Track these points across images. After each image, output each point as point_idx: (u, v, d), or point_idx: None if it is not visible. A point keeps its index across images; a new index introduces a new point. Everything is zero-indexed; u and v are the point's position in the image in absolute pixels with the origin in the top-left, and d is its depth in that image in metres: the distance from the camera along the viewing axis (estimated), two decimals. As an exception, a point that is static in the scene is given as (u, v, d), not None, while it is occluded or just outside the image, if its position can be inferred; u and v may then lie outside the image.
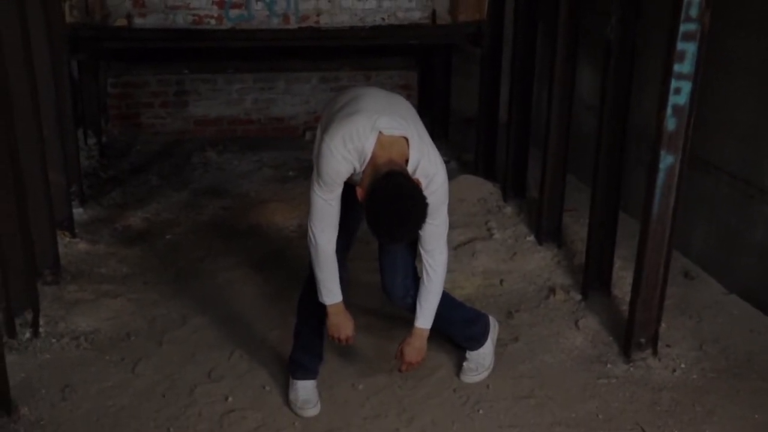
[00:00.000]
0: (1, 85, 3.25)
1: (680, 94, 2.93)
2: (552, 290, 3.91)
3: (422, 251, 2.83)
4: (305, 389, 3.03)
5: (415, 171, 2.59)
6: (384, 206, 2.43)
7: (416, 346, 2.94)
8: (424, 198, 2.50)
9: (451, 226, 4.47)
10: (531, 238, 4.48)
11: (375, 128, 2.55)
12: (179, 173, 5.80)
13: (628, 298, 3.45)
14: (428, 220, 2.66)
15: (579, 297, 3.83)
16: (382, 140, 2.55)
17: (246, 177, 5.73)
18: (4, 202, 3.33)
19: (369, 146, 2.54)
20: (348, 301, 2.95)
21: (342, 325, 2.91)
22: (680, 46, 2.86)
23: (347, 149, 2.56)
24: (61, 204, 4.22)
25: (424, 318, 2.91)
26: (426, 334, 2.94)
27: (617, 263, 3.91)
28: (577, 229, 4.50)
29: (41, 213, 3.81)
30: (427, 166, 2.62)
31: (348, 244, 2.98)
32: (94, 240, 4.47)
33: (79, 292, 3.85)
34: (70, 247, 4.29)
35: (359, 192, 2.54)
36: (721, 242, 4.00)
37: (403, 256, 2.95)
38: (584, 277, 3.85)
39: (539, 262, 4.23)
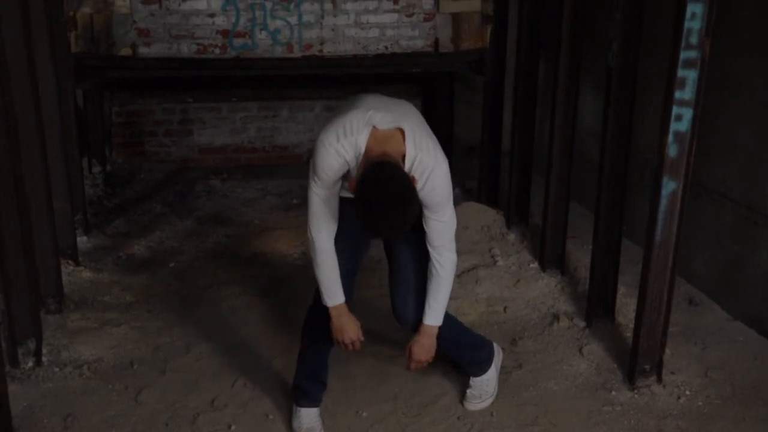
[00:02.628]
0: (8, 112, 3.27)
1: (681, 120, 2.94)
2: (556, 317, 3.90)
3: (430, 248, 2.76)
4: (309, 417, 3.01)
5: (413, 165, 2.55)
6: (373, 193, 2.38)
7: (425, 345, 2.87)
8: (413, 188, 2.46)
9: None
10: (534, 265, 4.48)
11: (368, 122, 2.54)
12: (183, 201, 5.82)
13: (632, 325, 3.43)
14: (432, 216, 2.66)
15: (583, 324, 3.82)
16: (376, 135, 2.53)
17: (250, 205, 5.75)
18: (8, 229, 3.34)
19: (362, 140, 2.53)
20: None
21: (346, 327, 2.83)
22: (681, 73, 2.88)
23: (340, 144, 2.55)
24: (65, 232, 4.24)
25: (433, 316, 2.83)
26: (435, 332, 2.86)
27: (621, 290, 3.90)
28: (581, 255, 4.50)
29: (45, 241, 3.82)
30: (426, 159, 2.57)
31: (354, 269, 2.94)
32: (98, 268, 4.48)
33: (83, 320, 3.85)
34: (74, 276, 4.30)
35: (351, 182, 2.52)
36: (724, 269, 4.00)
37: (414, 277, 2.87)
38: (588, 304, 3.84)
39: (543, 289, 4.22)
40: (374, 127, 2.54)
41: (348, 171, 2.62)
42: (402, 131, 2.56)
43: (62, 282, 4.00)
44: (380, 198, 2.37)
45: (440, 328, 2.93)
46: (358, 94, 2.90)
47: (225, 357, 3.56)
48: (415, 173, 2.55)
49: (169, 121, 6.66)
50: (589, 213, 4.91)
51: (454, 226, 2.78)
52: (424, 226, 2.72)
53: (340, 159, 2.57)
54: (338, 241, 2.79)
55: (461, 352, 3.17)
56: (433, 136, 2.70)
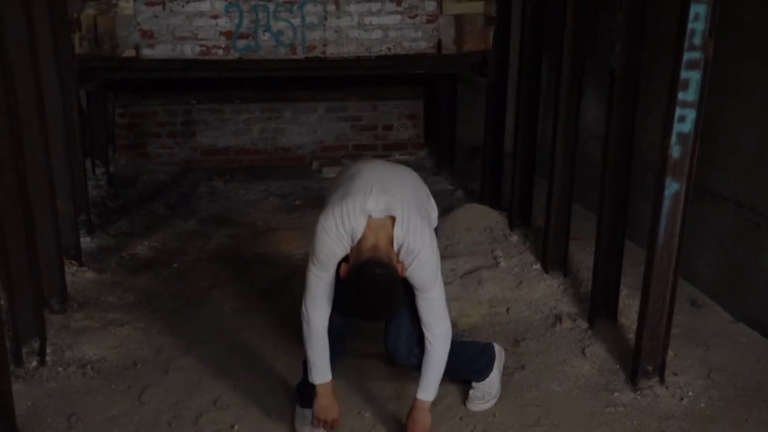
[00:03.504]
0: (12, 113, 3.28)
1: (685, 122, 2.95)
2: (558, 318, 3.90)
3: (422, 326, 2.85)
4: (311, 417, 3.01)
5: (400, 249, 2.66)
6: (356, 293, 2.55)
7: (420, 420, 2.92)
8: (397, 288, 2.60)
9: (458, 255, 4.58)
10: (537, 266, 4.48)
11: (365, 211, 2.64)
12: (186, 202, 5.83)
13: (634, 327, 3.44)
14: (421, 294, 2.77)
15: (585, 325, 3.82)
16: (371, 223, 2.64)
17: (253, 206, 5.76)
18: (12, 229, 3.35)
19: (359, 229, 2.64)
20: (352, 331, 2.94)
21: (329, 407, 2.92)
22: (684, 74, 2.89)
23: (339, 232, 2.65)
24: (68, 233, 4.25)
25: (426, 390, 2.90)
26: (428, 406, 2.92)
27: (624, 291, 3.91)
28: (583, 257, 4.50)
29: (49, 241, 3.83)
30: (413, 242, 2.67)
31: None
32: (101, 269, 4.49)
33: (86, 320, 3.85)
34: (77, 276, 4.31)
35: (343, 268, 2.65)
36: (727, 271, 4.00)
37: (408, 317, 2.93)
38: (591, 305, 3.84)
39: (545, 291, 4.22)
40: (370, 216, 2.64)
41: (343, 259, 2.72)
42: (393, 218, 2.66)
43: (66, 282, 4.01)
44: (363, 301, 2.55)
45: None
46: (364, 158, 3.14)
47: (228, 357, 3.57)
48: (403, 257, 2.67)
49: (173, 122, 6.68)
50: (591, 215, 4.92)
51: (444, 302, 2.86)
52: (417, 303, 2.82)
53: (340, 244, 2.68)
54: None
55: (459, 369, 3.15)
56: (425, 214, 2.81)
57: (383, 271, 2.55)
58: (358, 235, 2.64)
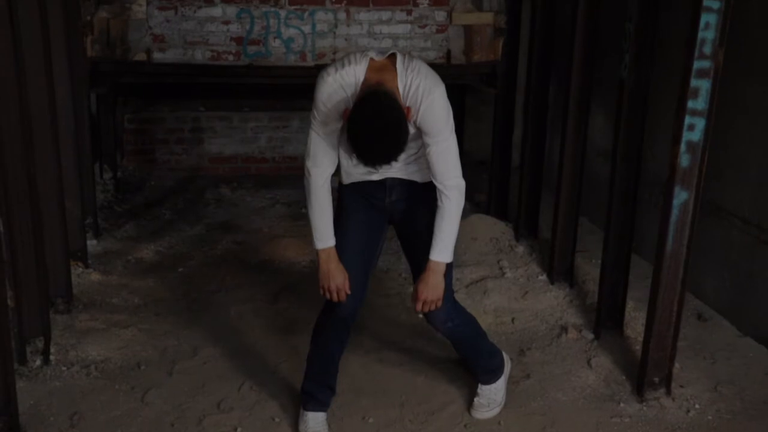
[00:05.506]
0: (24, 114, 3.30)
1: (694, 130, 2.94)
2: (564, 329, 3.88)
3: (433, 179, 2.72)
4: (315, 421, 3.00)
5: (407, 92, 2.58)
6: (361, 122, 2.41)
7: (431, 283, 2.76)
8: (403, 117, 2.46)
9: (464, 265, 4.57)
10: (543, 277, 4.47)
11: (366, 55, 2.61)
12: (193, 208, 5.83)
13: (641, 339, 3.42)
14: (432, 141, 2.65)
15: (591, 336, 3.80)
16: (373, 65, 2.59)
17: (259, 213, 5.76)
18: (20, 229, 3.35)
19: (361, 71, 2.58)
20: (362, 323, 2.90)
21: (334, 273, 2.77)
22: (694, 83, 2.88)
23: (339, 74, 2.58)
24: (75, 235, 4.25)
25: (440, 250, 2.74)
26: (442, 269, 2.76)
27: (630, 304, 3.89)
28: (589, 269, 4.49)
29: (56, 242, 3.83)
30: (417, 80, 2.59)
31: (367, 268, 2.92)
32: (106, 271, 4.49)
33: (91, 321, 3.85)
34: (83, 278, 4.31)
35: (345, 112, 2.55)
36: (734, 286, 3.98)
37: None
38: (597, 316, 3.83)
39: (551, 301, 4.21)
40: (371, 58, 2.60)
41: (345, 108, 2.62)
42: (394, 56, 2.62)
43: (71, 283, 4.01)
44: (369, 129, 2.40)
45: (464, 327, 2.95)
46: None
47: (232, 360, 3.55)
48: (411, 101, 2.58)
49: (181, 129, 6.69)
50: (597, 229, 4.92)
51: (457, 153, 2.72)
52: (428, 158, 2.69)
53: (339, 90, 2.59)
54: (350, 238, 2.82)
55: (478, 357, 3.15)
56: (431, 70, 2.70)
57: (388, 100, 2.45)
58: (360, 78, 2.57)
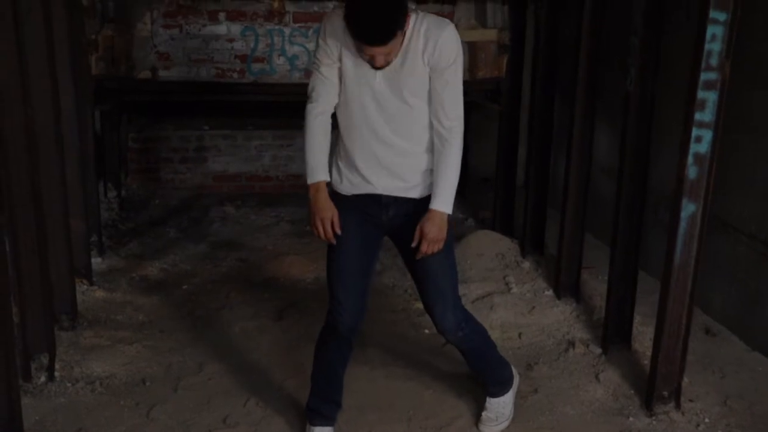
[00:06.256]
0: (29, 132, 3.31)
1: (701, 142, 2.94)
2: (571, 344, 3.86)
3: (433, 119, 2.66)
4: (322, 436, 2.98)
5: (419, 24, 2.54)
6: None
7: (436, 223, 2.67)
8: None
9: (469, 280, 4.55)
10: (549, 292, 4.45)
11: None
12: (197, 226, 5.83)
13: (649, 353, 3.40)
14: (438, 74, 2.58)
15: (599, 351, 3.78)
16: None
17: (264, 231, 5.75)
18: (25, 246, 3.35)
19: None
20: (368, 338, 2.90)
21: (323, 206, 2.71)
22: (701, 94, 2.88)
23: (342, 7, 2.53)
24: (80, 252, 4.25)
25: (441, 199, 2.66)
26: (445, 218, 2.68)
27: (637, 319, 3.87)
28: (596, 285, 4.47)
29: (61, 259, 3.83)
30: (433, 20, 2.56)
31: (367, 271, 2.89)
32: (111, 288, 4.47)
33: (95, 338, 3.83)
34: (88, 295, 4.30)
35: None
36: (741, 301, 3.96)
37: (444, 280, 2.81)
38: (604, 331, 3.80)
39: (558, 316, 4.18)
40: None
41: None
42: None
43: (76, 300, 4.00)
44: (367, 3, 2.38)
45: (475, 335, 2.94)
46: None
47: (237, 377, 3.53)
48: (422, 34, 2.54)
49: (185, 148, 6.71)
50: (603, 245, 4.91)
51: (461, 94, 2.66)
52: (432, 94, 2.63)
53: (339, 18, 2.53)
54: (346, 257, 2.80)
55: (488, 367, 3.13)
56: None
57: None
58: None
